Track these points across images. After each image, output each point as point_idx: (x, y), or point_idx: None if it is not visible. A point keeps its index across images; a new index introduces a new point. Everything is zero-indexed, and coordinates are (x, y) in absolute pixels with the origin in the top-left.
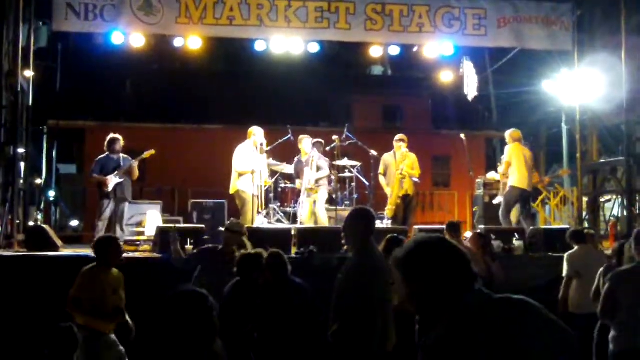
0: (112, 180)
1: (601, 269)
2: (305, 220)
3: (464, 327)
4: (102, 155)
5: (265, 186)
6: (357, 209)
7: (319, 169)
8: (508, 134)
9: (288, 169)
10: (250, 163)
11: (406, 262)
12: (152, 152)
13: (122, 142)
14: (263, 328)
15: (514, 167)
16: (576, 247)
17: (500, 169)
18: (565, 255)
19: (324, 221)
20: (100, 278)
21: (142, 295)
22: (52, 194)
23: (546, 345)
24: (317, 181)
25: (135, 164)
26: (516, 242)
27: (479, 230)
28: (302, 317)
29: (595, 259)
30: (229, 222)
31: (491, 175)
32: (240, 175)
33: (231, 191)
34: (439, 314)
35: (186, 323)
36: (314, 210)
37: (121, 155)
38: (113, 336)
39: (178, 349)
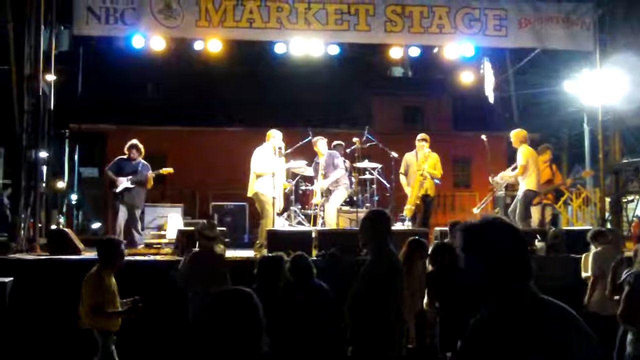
0: (123, 183)
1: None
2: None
3: (506, 316)
4: (121, 157)
5: (285, 189)
6: (372, 210)
7: (335, 167)
8: (515, 135)
9: (309, 171)
10: (269, 165)
11: (467, 237)
12: (171, 170)
13: (142, 150)
14: (285, 331)
15: (530, 170)
16: (600, 247)
17: (513, 172)
18: (591, 255)
19: (331, 223)
20: (109, 280)
21: (163, 298)
22: (74, 197)
23: (580, 356)
24: (332, 184)
25: (151, 175)
26: (538, 244)
27: None
28: (325, 321)
29: (621, 258)
30: (205, 227)
31: (506, 175)
32: (258, 177)
33: (249, 194)
34: (485, 298)
35: (233, 322)
36: (327, 211)
37: (141, 161)
38: None
39: (226, 348)
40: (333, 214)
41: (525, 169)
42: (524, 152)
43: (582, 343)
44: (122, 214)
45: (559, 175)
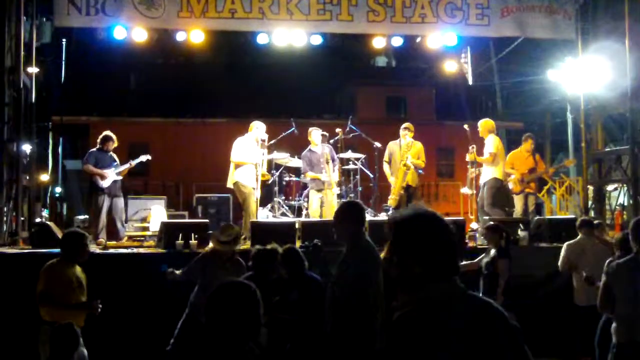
0: (111, 176)
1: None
2: (313, 214)
3: (427, 311)
4: (95, 149)
5: (267, 180)
6: (345, 202)
7: (333, 160)
8: (484, 124)
9: (293, 162)
10: (249, 155)
11: (397, 229)
12: (149, 156)
13: (115, 143)
14: (281, 324)
15: (497, 159)
16: (578, 237)
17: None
18: (564, 246)
19: None
20: (66, 272)
21: (145, 290)
22: (58, 190)
23: (498, 354)
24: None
25: (133, 164)
26: (521, 233)
27: (492, 223)
28: (318, 317)
29: (595, 250)
30: (221, 232)
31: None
32: (237, 166)
33: (229, 184)
34: (409, 291)
35: (234, 314)
36: (329, 206)
37: (112, 152)
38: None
39: (224, 339)
40: None
41: (495, 157)
42: (494, 141)
43: (503, 339)
44: (106, 207)
45: (542, 164)
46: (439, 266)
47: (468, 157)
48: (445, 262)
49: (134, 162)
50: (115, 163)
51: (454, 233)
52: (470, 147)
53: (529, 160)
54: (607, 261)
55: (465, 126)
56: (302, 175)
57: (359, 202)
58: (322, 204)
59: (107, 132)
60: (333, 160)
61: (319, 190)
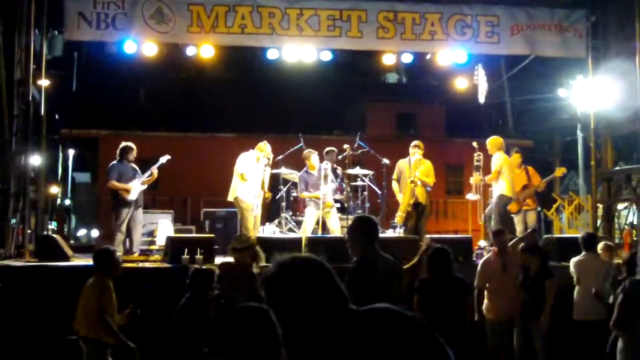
0: (137, 188)
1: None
2: (303, 232)
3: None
4: (115, 162)
5: (267, 198)
6: (358, 217)
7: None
8: (492, 142)
9: None
10: (253, 172)
11: (282, 283)
12: (168, 157)
13: (135, 153)
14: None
15: (504, 176)
16: (582, 254)
17: (483, 177)
18: (571, 262)
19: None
20: (109, 286)
21: (152, 306)
22: (67, 202)
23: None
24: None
25: (155, 171)
26: None
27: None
28: None
29: (596, 268)
30: (234, 240)
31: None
32: (242, 180)
33: (230, 198)
34: (308, 332)
35: (251, 339)
36: (329, 223)
37: (132, 163)
38: None
39: None
40: (337, 225)
41: (499, 175)
42: (499, 158)
43: (416, 340)
44: (128, 219)
45: (537, 177)
46: (329, 302)
47: (472, 181)
48: (333, 298)
49: (155, 169)
50: (138, 174)
51: (328, 267)
52: (475, 174)
53: (521, 176)
54: (621, 277)
55: (474, 143)
56: (298, 195)
57: (372, 217)
58: (323, 225)
59: (126, 143)
60: (335, 178)
61: (317, 209)
